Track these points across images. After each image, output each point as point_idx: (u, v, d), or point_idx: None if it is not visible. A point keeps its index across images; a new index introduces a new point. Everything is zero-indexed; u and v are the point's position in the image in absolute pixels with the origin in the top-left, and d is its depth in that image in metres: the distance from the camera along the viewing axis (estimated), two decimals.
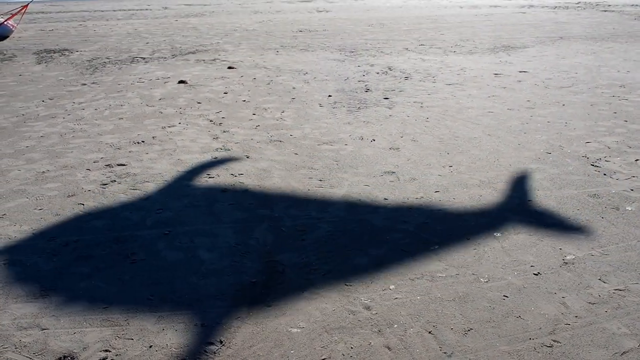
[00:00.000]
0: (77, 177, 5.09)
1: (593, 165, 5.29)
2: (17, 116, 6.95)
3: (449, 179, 4.99)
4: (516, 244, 3.93)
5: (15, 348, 2.90)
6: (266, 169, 5.23)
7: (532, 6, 18.25)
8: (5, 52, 10.98)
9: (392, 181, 4.96)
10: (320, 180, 4.98)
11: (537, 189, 4.80)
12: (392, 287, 3.43)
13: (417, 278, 3.53)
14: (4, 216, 4.35)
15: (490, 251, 3.84)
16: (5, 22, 12.57)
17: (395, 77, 8.71)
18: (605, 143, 5.86)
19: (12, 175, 5.14)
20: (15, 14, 13.09)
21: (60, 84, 8.57)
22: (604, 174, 5.08)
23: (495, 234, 4.06)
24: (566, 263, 3.69)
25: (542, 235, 4.05)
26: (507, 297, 3.33)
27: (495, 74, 8.91)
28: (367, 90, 7.95)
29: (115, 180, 4.99)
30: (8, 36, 12.55)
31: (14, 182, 4.99)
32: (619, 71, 9.14)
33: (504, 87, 8.11)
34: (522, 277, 3.53)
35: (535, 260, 3.72)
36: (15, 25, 13.00)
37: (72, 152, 5.71)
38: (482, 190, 4.76)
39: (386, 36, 12.35)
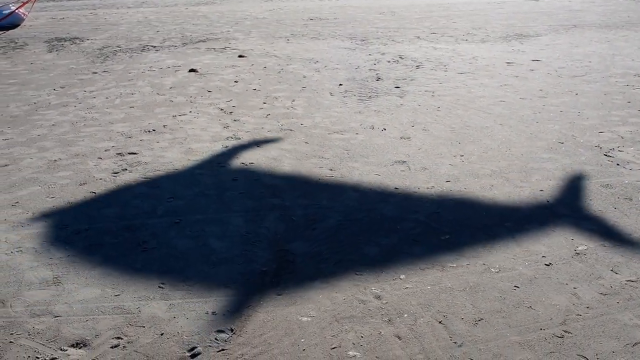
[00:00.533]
0: (89, 165, 5.11)
1: (606, 155, 5.25)
2: (28, 104, 6.98)
3: (460, 169, 4.96)
4: (527, 234, 3.91)
5: (29, 335, 2.93)
6: (276, 158, 5.23)
7: None
8: (17, 41, 11.01)
9: (403, 171, 4.94)
10: (331, 170, 4.97)
11: (549, 178, 4.76)
12: (402, 276, 3.43)
13: (428, 268, 3.52)
14: (16, 204, 4.38)
15: (501, 241, 3.82)
16: (16, 10, 12.60)
17: (406, 65, 8.66)
18: (618, 133, 5.80)
19: (24, 164, 5.17)
20: (27, 2, 13.13)
21: (72, 72, 8.59)
22: (617, 164, 5.04)
23: (506, 224, 4.04)
24: (578, 254, 3.67)
25: (553, 225, 4.03)
26: (518, 287, 3.32)
27: (508, 63, 8.84)
28: (378, 79, 7.92)
29: (126, 169, 5.01)
30: (19, 24, 12.59)
31: (26, 171, 5.02)
32: (633, 60, 9.03)
33: (516, 76, 8.05)
34: (533, 267, 3.52)
35: (547, 251, 3.70)
36: (27, 13, 13.04)
37: (83, 140, 5.74)
38: (494, 180, 4.73)
39: (397, 24, 12.27)
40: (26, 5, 13.09)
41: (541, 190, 4.55)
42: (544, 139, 5.65)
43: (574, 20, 12.91)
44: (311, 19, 12.90)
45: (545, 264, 3.55)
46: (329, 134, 5.83)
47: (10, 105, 6.98)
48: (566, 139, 5.63)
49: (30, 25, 12.58)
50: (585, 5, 15.56)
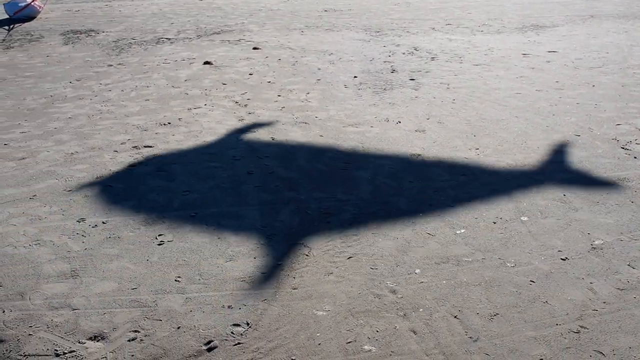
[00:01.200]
0: (105, 158, 5.15)
1: (623, 148, 5.20)
2: (45, 97, 7.04)
3: (475, 162, 4.94)
4: (543, 228, 3.89)
5: (47, 328, 2.97)
6: (291, 151, 5.23)
7: None
8: (32, 33, 11.08)
9: (418, 164, 4.93)
10: (346, 163, 4.97)
11: (564, 171, 4.73)
12: (417, 271, 3.43)
13: (443, 262, 3.52)
14: (34, 197, 4.43)
15: (517, 235, 3.80)
16: (32, 3, 12.67)
17: (421, 57, 8.61)
18: (636, 125, 5.74)
19: (41, 157, 5.22)
20: None
21: (87, 65, 8.63)
22: (635, 157, 4.99)
23: (522, 218, 4.02)
24: (594, 248, 3.65)
25: (570, 219, 4.00)
26: (533, 282, 3.31)
27: (524, 54, 8.75)
28: (393, 71, 7.88)
29: (142, 162, 5.04)
30: (35, 17, 12.66)
31: (43, 164, 5.07)
32: None
33: (533, 68, 7.97)
34: (550, 262, 3.50)
35: (563, 245, 3.68)
36: (43, 5, 13.11)
37: (99, 133, 5.78)
38: (509, 173, 4.71)
39: (412, 15, 12.19)
40: None
41: (557, 184, 4.51)
42: (561, 131, 5.60)
43: (591, 10, 12.75)
44: (325, 11, 12.85)
45: (562, 259, 3.53)
46: (343, 126, 5.82)
47: (27, 98, 7.04)
48: (583, 132, 5.58)
49: (46, 18, 12.64)
50: None
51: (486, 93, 6.83)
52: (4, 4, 12.80)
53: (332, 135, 5.60)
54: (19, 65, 8.74)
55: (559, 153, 5.11)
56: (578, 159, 4.98)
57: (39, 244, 3.77)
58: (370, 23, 11.41)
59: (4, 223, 4.06)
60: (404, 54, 8.86)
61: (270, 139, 5.53)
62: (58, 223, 4.03)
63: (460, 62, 8.32)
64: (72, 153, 5.29)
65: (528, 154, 5.09)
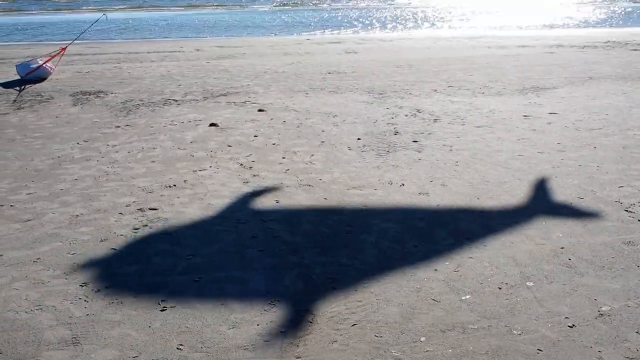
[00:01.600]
0: (110, 221, 5.17)
1: (627, 210, 5.20)
2: (52, 158, 7.13)
3: (479, 225, 4.94)
4: (549, 293, 3.86)
5: None
6: (296, 214, 5.25)
7: (560, 46, 18.23)
8: (43, 94, 11.31)
9: (422, 227, 4.93)
10: (350, 226, 4.98)
11: (569, 235, 4.72)
12: (422, 339, 3.39)
13: (448, 329, 3.48)
14: (38, 260, 4.43)
15: (522, 302, 3.77)
16: (44, 65, 12.99)
17: (424, 119, 8.73)
18: (639, 187, 5.76)
19: (46, 219, 5.25)
20: (54, 56, 13.53)
21: (95, 126, 8.78)
22: (639, 220, 4.99)
23: (527, 283, 3.99)
24: (602, 314, 3.61)
25: (576, 284, 3.97)
26: (541, 350, 3.26)
27: (525, 116, 8.88)
28: (396, 133, 7.98)
29: (147, 225, 5.06)
30: (46, 78, 12.96)
31: (48, 226, 5.09)
32: None
33: (534, 130, 8.07)
34: (557, 329, 3.46)
35: (570, 312, 3.64)
36: (54, 67, 13.42)
37: (105, 195, 5.82)
38: (514, 237, 4.70)
39: (414, 77, 12.43)
40: (54, 59, 13.48)
41: (562, 248, 4.50)
42: (564, 194, 5.62)
43: (590, 72, 12.99)
44: (329, 73, 13.12)
45: (569, 326, 3.49)
46: (347, 189, 5.86)
47: (35, 159, 7.13)
48: (586, 194, 5.60)
49: (57, 79, 12.93)
50: (601, 57, 15.66)
51: (488, 155, 6.89)
52: (16, 65, 13.13)
53: (336, 198, 5.63)
54: (29, 125, 8.89)
55: (562, 216, 5.12)
56: (582, 222, 4.98)
57: (40, 309, 3.75)
58: (373, 85, 11.62)
59: (6, 287, 4.05)
60: (406, 115, 8.99)
61: (275, 202, 5.56)
62: (61, 287, 4.02)
63: (463, 124, 8.43)
64: (77, 215, 5.32)
65: (531, 217, 5.09)
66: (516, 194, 5.64)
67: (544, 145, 7.28)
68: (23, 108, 10.16)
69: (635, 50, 17.18)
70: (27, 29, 30.01)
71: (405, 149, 7.20)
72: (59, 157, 7.21)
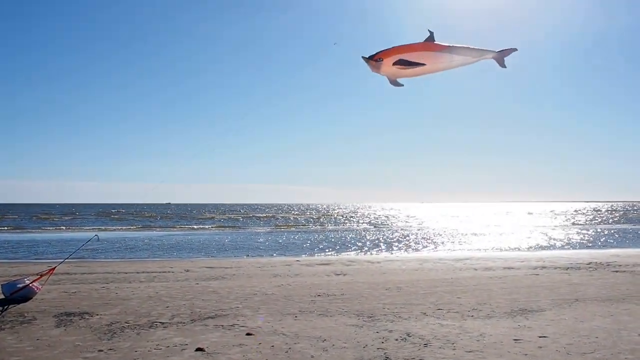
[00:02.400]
0: None
1: None
2: None
3: None
4: None
5: None
6: None
7: (544, 267, 18.68)
8: (26, 315, 11.15)
9: None
10: None
11: None
12: None
13: None
14: None
15: None
16: (30, 285, 12.96)
17: (414, 344, 8.61)
18: None
19: None
20: (42, 275, 13.57)
21: (77, 350, 8.53)
22: None
23: None
24: None
25: None
26: None
27: (515, 340, 8.79)
28: (386, 359, 7.81)
29: None
30: (32, 297, 12.85)
31: None
32: (639, 335, 9.00)
33: (526, 354, 7.94)
34: None
35: None
36: (40, 287, 13.39)
37: None
38: None
39: (403, 300, 12.49)
40: (42, 278, 13.51)
41: None
42: None
43: (575, 294, 13.16)
44: (319, 295, 13.19)
45: None
46: None
47: None
48: None
49: (42, 299, 12.85)
50: (584, 278, 15.99)
51: None
52: (1, 285, 13.07)
53: None
54: (6, 349, 8.63)
55: None
56: None
57: None
58: (362, 308, 11.63)
59: None
60: (396, 340, 8.88)
61: None
62: None
63: (454, 349, 8.30)
64: None
65: None
66: None
67: None
68: (3, 329, 9.96)
69: (617, 271, 17.63)
70: (19, 248, 30.58)
71: None
72: None
